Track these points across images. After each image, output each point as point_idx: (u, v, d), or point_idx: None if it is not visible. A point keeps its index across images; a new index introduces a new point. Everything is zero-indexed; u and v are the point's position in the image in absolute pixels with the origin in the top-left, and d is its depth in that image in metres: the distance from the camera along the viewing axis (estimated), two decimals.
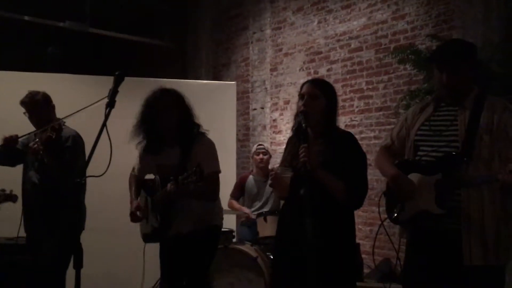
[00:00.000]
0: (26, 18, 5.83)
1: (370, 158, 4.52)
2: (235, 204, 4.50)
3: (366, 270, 3.78)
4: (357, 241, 4.13)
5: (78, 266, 1.90)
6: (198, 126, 2.79)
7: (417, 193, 2.16)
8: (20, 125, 3.28)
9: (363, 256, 3.78)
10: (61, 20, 6.03)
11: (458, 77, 2.15)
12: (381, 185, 4.34)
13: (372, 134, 4.67)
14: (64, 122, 3.17)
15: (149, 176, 2.96)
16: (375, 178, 4.44)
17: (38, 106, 3.22)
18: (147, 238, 2.87)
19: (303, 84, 2.42)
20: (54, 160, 3.00)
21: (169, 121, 2.69)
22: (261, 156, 4.52)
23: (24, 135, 3.25)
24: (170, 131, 2.72)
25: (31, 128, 3.26)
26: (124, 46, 6.80)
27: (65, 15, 6.06)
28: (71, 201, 2.24)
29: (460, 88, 2.18)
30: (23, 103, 3.24)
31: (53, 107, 3.31)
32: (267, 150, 4.56)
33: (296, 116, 2.44)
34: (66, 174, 2.89)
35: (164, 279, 2.92)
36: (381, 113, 4.61)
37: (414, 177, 2.20)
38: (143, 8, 6.82)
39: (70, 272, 2.16)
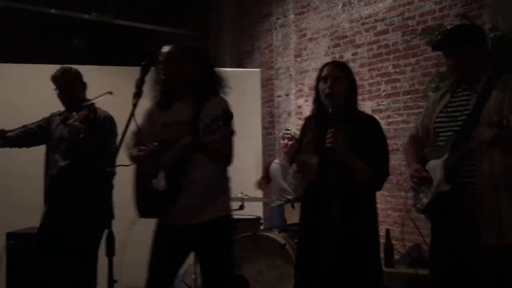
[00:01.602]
0: (53, 11, 5.91)
1: (398, 142, 4.47)
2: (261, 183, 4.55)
3: (396, 256, 3.74)
4: (387, 226, 4.10)
5: (111, 254, 1.92)
6: (219, 83, 2.49)
7: (433, 179, 2.19)
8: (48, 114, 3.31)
9: (393, 242, 3.73)
10: (87, 12, 6.09)
11: (464, 62, 2.16)
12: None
13: (400, 119, 4.58)
14: (95, 103, 3.11)
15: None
16: (404, 163, 4.37)
17: (70, 82, 3.13)
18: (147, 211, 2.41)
19: (323, 67, 2.41)
20: (92, 141, 2.89)
21: (177, 73, 2.37)
22: (286, 141, 4.49)
23: (49, 116, 3.20)
24: (179, 86, 2.41)
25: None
26: (148, 36, 6.84)
27: (90, 7, 6.12)
28: (102, 189, 2.20)
29: (470, 72, 2.18)
30: (54, 78, 3.15)
31: (84, 85, 3.22)
32: (293, 136, 4.52)
33: (316, 99, 2.42)
34: (102, 157, 2.75)
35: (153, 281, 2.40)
36: (409, 96, 4.51)
37: (431, 163, 2.23)
38: None
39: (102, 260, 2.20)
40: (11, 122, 4.52)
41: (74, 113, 3.00)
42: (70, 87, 3.14)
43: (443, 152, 2.18)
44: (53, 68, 4.43)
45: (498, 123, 1.94)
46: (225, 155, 2.37)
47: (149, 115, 2.50)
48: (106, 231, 1.99)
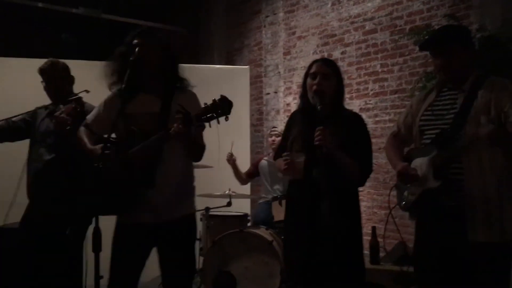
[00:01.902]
0: (40, 4, 5.85)
1: (385, 141, 4.50)
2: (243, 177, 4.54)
3: (382, 254, 3.77)
4: (373, 224, 4.14)
5: (97, 249, 1.91)
6: (182, 79, 2.41)
7: (420, 177, 2.20)
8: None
9: (378, 239, 3.77)
10: (75, 6, 6.04)
11: (451, 61, 2.19)
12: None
13: (387, 117, 4.62)
14: (82, 98, 3.07)
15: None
16: None
17: (58, 74, 3.10)
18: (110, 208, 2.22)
19: (312, 63, 2.43)
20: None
21: (148, 61, 2.26)
22: (273, 138, 4.53)
23: (34, 109, 3.14)
24: (147, 73, 2.30)
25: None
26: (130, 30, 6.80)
27: (78, 1, 6.07)
28: (89, 183, 2.16)
29: (457, 71, 2.21)
30: (42, 70, 3.12)
31: (72, 79, 3.19)
32: (280, 133, 4.55)
33: (303, 95, 2.44)
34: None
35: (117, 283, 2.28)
36: (396, 95, 4.55)
37: (417, 161, 2.25)
38: None
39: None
40: None
41: (61, 106, 2.96)
42: (57, 80, 3.10)
43: (429, 150, 2.21)
44: (40, 62, 4.40)
45: (495, 120, 1.97)
46: (202, 150, 2.33)
47: (107, 103, 2.40)
48: (93, 227, 1.98)
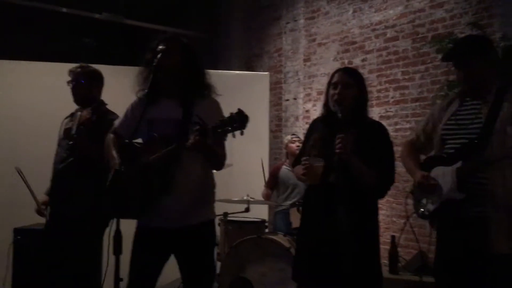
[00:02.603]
0: (64, 10, 5.96)
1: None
2: (265, 191, 4.54)
3: (401, 263, 3.73)
4: (392, 233, 4.09)
5: (118, 252, 1.92)
6: (207, 86, 2.39)
7: (440, 185, 2.18)
8: (59, 114, 3.34)
9: (398, 248, 3.72)
10: (98, 11, 6.14)
11: (473, 73, 2.19)
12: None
13: (407, 126, 4.58)
14: (107, 104, 3.13)
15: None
16: None
17: (81, 78, 3.12)
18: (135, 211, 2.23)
19: (334, 73, 2.43)
20: (90, 142, 2.88)
21: (169, 66, 2.27)
22: (297, 144, 4.53)
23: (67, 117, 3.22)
24: (169, 78, 2.30)
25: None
26: (155, 36, 6.87)
27: (101, 7, 6.17)
28: (108, 186, 2.19)
29: (479, 82, 2.20)
30: (71, 71, 3.16)
31: (99, 88, 3.21)
32: (301, 139, 4.56)
33: (325, 105, 2.43)
34: (100, 159, 2.65)
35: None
36: (417, 104, 4.51)
37: (438, 170, 2.23)
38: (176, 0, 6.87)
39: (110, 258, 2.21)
40: (20, 118, 4.59)
41: (79, 113, 3.03)
42: (82, 83, 3.13)
43: (452, 159, 2.18)
44: (64, 66, 4.47)
45: None
46: (222, 159, 2.33)
47: (133, 108, 2.41)
48: (114, 229, 2.00)
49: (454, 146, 2.23)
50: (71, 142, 2.94)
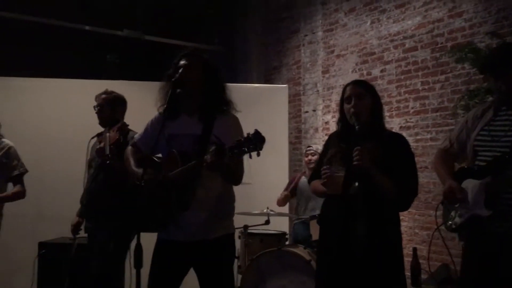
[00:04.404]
0: (87, 28, 6.11)
1: (427, 160, 4.42)
2: (282, 194, 4.54)
3: (423, 276, 3.67)
4: (414, 245, 4.04)
5: (139, 265, 1.94)
6: (227, 102, 2.39)
7: (467, 199, 2.14)
8: (85, 129, 3.43)
9: (420, 261, 3.67)
10: (119, 29, 6.28)
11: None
12: (438, 188, 4.22)
13: (428, 136, 4.54)
14: (128, 125, 3.28)
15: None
16: (432, 181, 4.33)
17: (106, 104, 3.30)
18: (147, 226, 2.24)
19: (345, 88, 2.42)
20: (119, 161, 2.98)
21: (189, 82, 2.27)
22: (309, 157, 4.53)
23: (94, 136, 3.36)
24: (189, 94, 2.29)
25: (95, 131, 3.39)
26: (177, 51, 6.98)
27: (122, 24, 6.31)
28: (130, 201, 2.24)
29: None
30: (96, 97, 3.35)
31: (122, 111, 3.38)
32: (316, 151, 4.55)
33: (339, 121, 2.43)
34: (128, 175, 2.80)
35: None
36: (438, 114, 4.47)
37: (469, 183, 2.18)
38: (193, 14, 6.97)
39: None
40: (47, 133, 4.70)
41: (107, 135, 3.18)
42: (106, 108, 3.32)
43: (482, 173, 2.13)
44: (87, 83, 4.60)
45: None
46: (239, 176, 2.32)
47: (153, 123, 2.44)
48: (135, 243, 2.03)
49: (486, 158, 2.16)
50: (107, 162, 3.06)
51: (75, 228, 3.41)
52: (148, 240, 2.23)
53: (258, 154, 1.89)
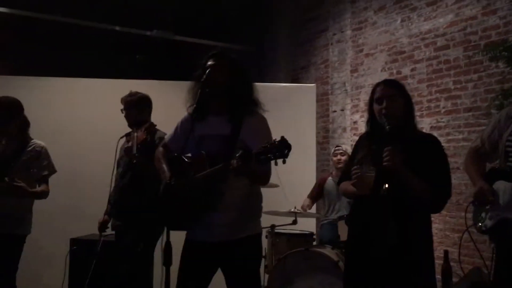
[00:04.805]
0: (117, 28, 6.21)
1: (458, 161, 4.32)
2: (306, 201, 4.51)
3: (454, 279, 3.59)
4: (445, 248, 3.96)
5: (168, 263, 1.96)
6: (255, 102, 2.39)
7: (498, 202, 2.10)
8: (115, 127, 3.48)
9: (451, 264, 3.59)
10: (149, 29, 6.36)
11: None
12: (469, 190, 4.12)
13: (460, 136, 4.44)
14: (156, 125, 3.32)
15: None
16: (464, 183, 4.23)
17: (132, 105, 3.37)
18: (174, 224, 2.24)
19: (375, 88, 2.37)
20: (146, 160, 3.05)
21: (218, 82, 2.28)
22: (338, 157, 4.50)
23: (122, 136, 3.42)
24: (218, 94, 2.31)
25: (124, 130, 3.44)
26: (205, 52, 7.03)
27: (152, 25, 6.39)
28: (159, 199, 2.27)
29: None
30: (122, 99, 3.41)
31: (148, 111, 3.44)
32: (345, 151, 4.51)
33: (369, 121, 2.39)
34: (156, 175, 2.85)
35: None
36: (470, 113, 4.37)
37: (500, 184, 2.14)
38: (222, 14, 7.00)
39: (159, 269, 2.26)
40: (78, 132, 4.80)
41: (134, 134, 3.23)
42: (132, 109, 3.38)
43: None
44: (117, 83, 4.66)
45: None
46: (266, 178, 2.32)
47: (183, 123, 2.47)
48: (165, 241, 2.05)
49: None
50: (134, 161, 3.12)
51: (102, 226, 3.47)
52: (178, 239, 2.26)
53: (284, 162, 1.88)
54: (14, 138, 3.16)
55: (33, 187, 3.14)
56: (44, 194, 3.19)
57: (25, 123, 3.23)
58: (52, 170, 3.26)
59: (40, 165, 3.17)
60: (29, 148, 3.16)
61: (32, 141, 3.21)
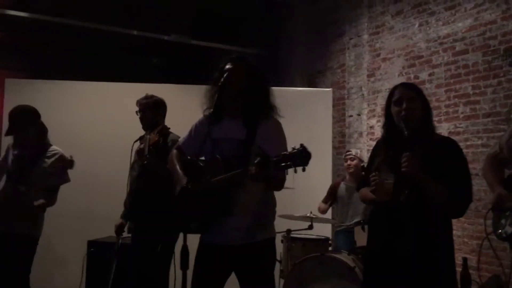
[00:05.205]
0: (135, 32, 6.26)
1: (477, 167, 4.26)
2: (321, 206, 4.49)
3: (473, 287, 3.54)
4: (463, 255, 3.90)
5: (185, 267, 1.96)
6: (271, 106, 2.39)
7: None
8: (131, 130, 3.51)
9: (470, 271, 3.53)
10: (166, 33, 6.40)
11: None
12: (488, 196, 4.05)
13: (479, 142, 4.37)
14: (169, 128, 3.35)
15: None
16: (483, 189, 4.17)
17: (147, 108, 3.41)
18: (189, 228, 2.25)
19: (393, 90, 2.34)
20: (157, 162, 3.09)
21: (235, 86, 2.29)
22: (349, 162, 4.47)
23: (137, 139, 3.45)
24: (234, 98, 2.31)
25: (140, 133, 3.47)
26: (222, 55, 7.05)
27: (169, 29, 6.44)
28: (176, 203, 2.28)
29: None
30: (137, 102, 3.46)
31: (163, 114, 3.48)
32: (355, 156, 4.48)
33: (386, 124, 2.36)
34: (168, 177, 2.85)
35: None
36: (489, 119, 4.30)
37: None
38: (238, 18, 7.03)
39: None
40: (95, 134, 4.84)
41: (147, 136, 3.28)
42: (148, 112, 3.42)
43: None
44: (134, 86, 4.70)
45: None
46: (281, 184, 2.30)
47: (198, 127, 2.47)
48: (182, 245, 2.05)
49: None
50: (145, 162, 3.16)
51: (119, 230, 3.49)
52: (194, 242, 2.26)
53: (304, 170, 1.86)
54: (33, 145, 3.19)
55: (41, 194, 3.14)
56: (50, 205, 3.18)
57: (43, 130, 3.26)
58: (63, 180, 3.25)
59: (53, 173, 3.16)
60: (48, 155, 3.18)
61: (51, 147, 3.22)
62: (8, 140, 3.36)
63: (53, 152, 3.19)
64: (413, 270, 2.04)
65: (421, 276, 2.06)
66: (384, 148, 2.36)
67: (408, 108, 2.23)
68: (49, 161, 3.14)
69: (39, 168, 3.08)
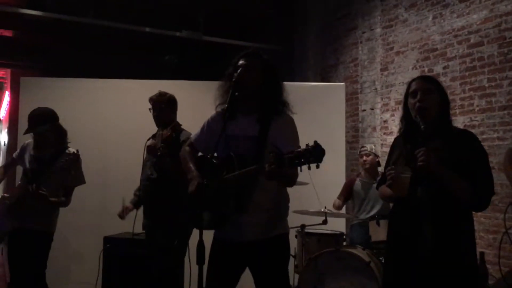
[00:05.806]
0: (147, 29, 6.29)
1: (493, 160, 4.21)
2: (336, 202, 4.48)
3: (491, 281, 3.51)
4: (480, 249, 3.86)
5: (201, 262, 1.96)
6: (284, 103, 2.38)
7: None
8: (144, 127, 3.53)
9: (487, 266, 3.50)
10: (178, 30, 6.41)
11: None
12: (505, 190, 4.01)
13: (495, 135, 4.32)
14: (181, 125, 3.36)
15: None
16: (499, 183, 4.12)
17: (161, 105, 3.43)
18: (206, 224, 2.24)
19: (410, 82, 2.31)
20: (170, 158, 3.11)
21: (248, 82, 2.28)
22: (364, 158, 4.44)
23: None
24: (248, 94, 2.29)
25: (154, 130, 3.48)
26: (234, 51, 7.05)
27: (181, 25, 6.45)
28: (192, 199, 2.28)
29: None
30: (150, 99, 3.48)
31: (175, 111, 3.50)
32: (370, 151, 4.46)
33: (404, 117, 2.33)
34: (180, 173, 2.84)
35: None
36: (505, 112, 4.25)
37: None
38: (251, 14, 7.01)
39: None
40: (109, 131, 4.88)
41: (160, 133, 3.31)
42: (159, 109, 3.44)
43: None
44: (146, 83, 4.72)
45: None
46: (294, 181, 2.30)
47: (210, 123, 2.46)
48: (198, 240, 2.05)
49: None
50: (158, 154, 3.20)
51: (123, 212, 3.57)
52: (208, 237, 2.26)
53: (318, 167, 1.85)
54: (51, 146, 3.24)
55: (59, 195, 3.19)
56: (63, 204, 3.23)
57: (61, 132, 3.29)
58: (78, 182, 3.28)
59: (69, 174, 3.19)
60: (64, 156, 3.21)
61: (68, 149, 3.25)
62: (25, 138, 3.40)
63: (68, 153, 3.23)
64: (435, 268, 2.01)
65: (443, 274, 2.03)
66: (402, 143, 2.33)
67: (423, 99, 2.19)
68: (63, 162, 3.18)
69: (54, 168, 3.11)
